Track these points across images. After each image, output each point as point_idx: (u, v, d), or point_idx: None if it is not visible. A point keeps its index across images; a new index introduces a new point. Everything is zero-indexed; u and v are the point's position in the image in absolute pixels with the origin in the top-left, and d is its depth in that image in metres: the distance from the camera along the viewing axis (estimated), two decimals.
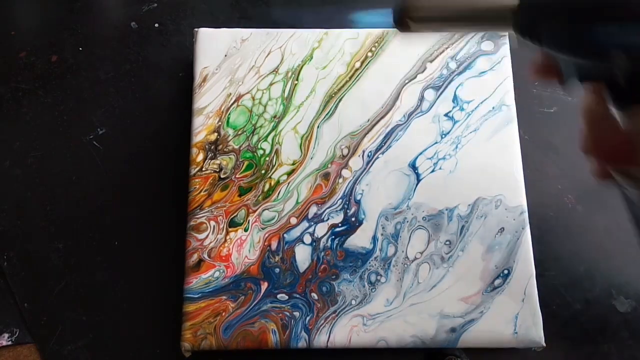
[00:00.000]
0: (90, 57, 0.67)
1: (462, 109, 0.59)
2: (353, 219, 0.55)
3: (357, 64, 0.60)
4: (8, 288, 0.58)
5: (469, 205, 0.56)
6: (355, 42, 0.61)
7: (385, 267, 0.54)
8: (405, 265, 0.54)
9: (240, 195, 0.56)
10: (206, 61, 0.60)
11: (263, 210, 0.56)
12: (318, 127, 0.58)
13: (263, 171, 0.57)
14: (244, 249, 0.54)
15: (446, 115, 0.59)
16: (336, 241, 0.55)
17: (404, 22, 0.39)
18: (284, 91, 0.59)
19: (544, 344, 0.53)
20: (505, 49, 0.61)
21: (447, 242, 0.55)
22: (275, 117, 0.59)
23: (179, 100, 0.65)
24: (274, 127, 0.58)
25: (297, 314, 0.53)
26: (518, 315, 0.53)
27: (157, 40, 0.68)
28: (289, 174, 0.57)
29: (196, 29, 0.61)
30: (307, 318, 0.53)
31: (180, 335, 0.52)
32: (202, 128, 0.58)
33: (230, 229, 0.55)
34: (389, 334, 0.52)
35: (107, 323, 0.57)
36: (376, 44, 0.61)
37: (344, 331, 0.52)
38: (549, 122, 0.66)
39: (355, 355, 0.55)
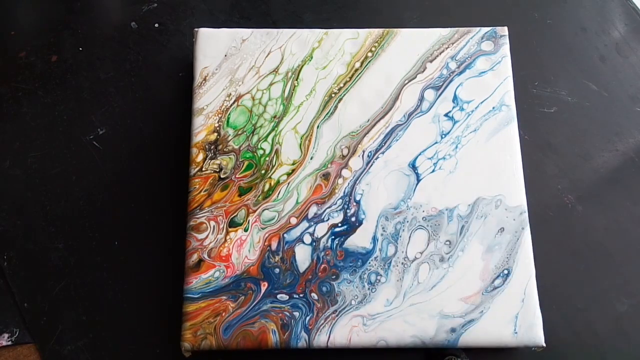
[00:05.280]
0: (90, 57, 0.67)
1: (462, 109, 0.59)
2: (353, 219, 0.55)
3: (357, 64, 0.60)
4: (8, 288, 0.58)
5: (469, 205, 0.56)
6: (355, 42, 0.61)
7: (385, 267, 0.54)
8: (405, 265, 0.54)
9: (240, 195, 0.56)
10: (206, 61, 0.60)
11: (263, 210, 0.56)
12: (318, 127, 0.58)
13: (263, 171, 0.57)
14: (244, 249, 0.54)
15: (446, 115, 0.59)
16: (336, 241, 0.55)
17: None
18: (284, 91, 0.59)
19: (544, 344, 0.53)
20: (505, 49, 0.61)
21: (447, 242, 0.55)
22: (275, 117, 0.59)
23: (179, 100, 0.65)
24: (274, 127, 0.58)
25: (297, 314, 0.53)
26: (518, 315, 0.53)
27: (157, 40, 0.68)
28: (289, 174, 0.57)
29: (196, 29, 0.61)
30: (307, 318, 0.53)
31: (180, 335, 0.52)
32: (202, 128, 0.58)
33: (230, 229, 0.55)
34: (389, 334, 0.52)
35: (107, 323, 0.57)
36: (376, 44, 0.61)
37: (344, 331, 0.52)
38: (549, 122, 0.66)
39: (355, 355, 0.55)
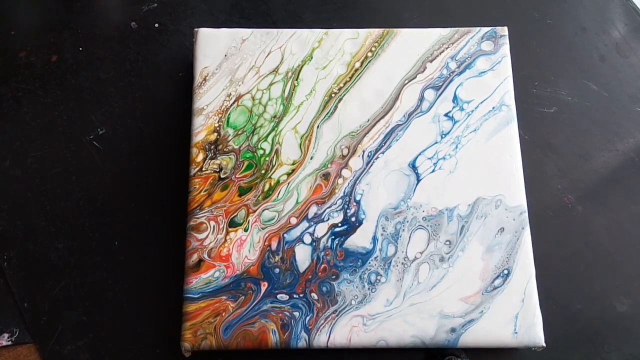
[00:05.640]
0: (90, 57, 0.67)
1: (462, 109, 0.59)
2: (353, 219, 0.55)
3: (357, 64, 0.60)
4: (8, 288, 0.58)
5: (469, 205, 0.56)
6: (355, 42, 0.61)
7: (385, 267, 0.54)
8: (405, 265, 0.54)
9: (240, 195, 0.56)
10: (206, 61, 0.60)
11: (263, 210, 0.56)
12: (318, 127, 0.58)
13: (263, 171, 0.57)
14: (244, 249, 0.54)
15: (446, 115, 0.59)
16: (336, 241, 0.55)
17: None
18: (284, 91, 0.59)
19: (544, 344, 0.53)
20: (505, 49, 0.61)
21: (447, 242, 0.55)
22: (275, 117, 0.59)
23: (179, 100, 0.65)
24: (274, 127, 0.58)
25: (297, 314, 0.53)
26: (518, 315, 0.53)
27: (157, 40, 0.68)
28: (289, 174, 0.57)
29: (196, 29, 0.61)
30: (307, 318, 0.53)
31: (180, 335, 0.52)
32: (202, 128, 0.58)
33: (230, 229, 0.55)
34: (389, 334, 0.52)
35: (107, 323, 0.57)
36: (376, 44, 0.61)
37: (344, 331, 0.52)
38: (549, 122, 0.66)
39: (355, 355, 0.55)
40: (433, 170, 0.57)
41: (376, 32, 0.61)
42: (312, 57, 0.60)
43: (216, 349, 0.52)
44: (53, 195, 0.61)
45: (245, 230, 0.55)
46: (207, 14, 0.70)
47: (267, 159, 0.57)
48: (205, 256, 0.54)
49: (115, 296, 0.58)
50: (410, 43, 0.61)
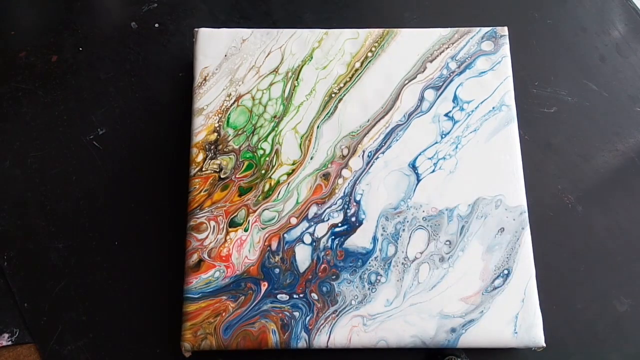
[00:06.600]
0: (90, 57, 0.67)
1: (462, 109, 0.59)
2: (353, 219, 0.55)
3: (357, 64, 0.60)
4: (8, 288, 0.58)
5: (469, 205, 0.56)
6: (355, 42, 0.61)
7: (385, 267, 0.54)
8: (405, 265, 0.54)
9: (240, 195, 0.56)
10: (206, 61, 0.60)
11: (263, 210, 0.56)
12: (318, 127, 0.58)
13: (263, 171, 0.57)
14: (244, 249, 0.54)
15: (446, 115, 0.59)
16: (336, 241, 0.55)
17: None
18: (284, 91, 0.59)
19: (544, 344, 0.53)
20: (505, 49, 0.61)
21: (447, 242, 0.55)
22: (275, 117, 0.59)
23: (179, 100, 0.65)
24: (274, 127, 0.58)
25: (297, 314, 0.53)
26: (518, 315, 0.53)
27: (157, 40, 0.68)
28: (289, 174, 0.57)
29: (196, 29, 0.61)
30: (307, 318, 0.53)
31: (180, 335, 0.52)
32: (202, 128, 0.58)
33: (230, 229, 0.55)
34: (389, 334, 0.52)
35: (107, 323, 0.57)
36: (376, 44, 0.61)
37: (344, 331, 0.52)
38: (549, 122, 0.66)
39: (355, 355, 0.55)
40: (433, 170, 0.57)
41: (376, 32, 0.61)
42: (312, 57, 0.60)
43: (216, 349, 0.52)
44: (53, 195, 0.61)
45: (245, 230, 0.55)
46: (207, 14, 0.70)
47: (267, 159, 0.57)
48: (205, 256, 0.54)
49: (115, 296, 0.58)
50: (410, 43, 0.61)
